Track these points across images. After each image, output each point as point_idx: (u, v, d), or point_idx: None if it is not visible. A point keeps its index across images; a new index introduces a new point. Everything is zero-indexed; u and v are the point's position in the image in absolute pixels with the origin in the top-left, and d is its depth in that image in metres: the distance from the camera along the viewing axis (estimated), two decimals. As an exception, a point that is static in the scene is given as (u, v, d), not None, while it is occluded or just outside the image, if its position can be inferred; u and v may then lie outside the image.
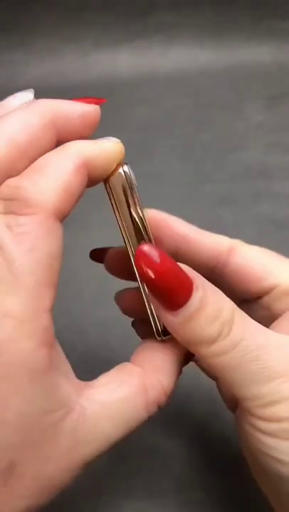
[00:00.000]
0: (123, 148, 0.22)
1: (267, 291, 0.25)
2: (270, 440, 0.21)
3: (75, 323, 0.36)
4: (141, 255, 0.21)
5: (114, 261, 0.27)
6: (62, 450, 0.20)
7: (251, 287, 0.25)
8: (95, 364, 0.37)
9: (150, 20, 0.65)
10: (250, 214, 0.49)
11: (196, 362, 0.27)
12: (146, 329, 0.25)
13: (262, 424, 0.21)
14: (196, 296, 0.21)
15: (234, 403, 0.25)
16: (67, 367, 0.21)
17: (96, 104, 0.22)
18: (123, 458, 0.34)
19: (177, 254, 0.26)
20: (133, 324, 0.28)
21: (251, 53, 0.64)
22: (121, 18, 0.64)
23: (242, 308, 0.22)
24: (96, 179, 0.22)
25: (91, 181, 0.22)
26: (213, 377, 0.27)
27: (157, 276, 0.20)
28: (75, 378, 0.21)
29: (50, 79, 0.63)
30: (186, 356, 0.24)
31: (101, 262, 0.28)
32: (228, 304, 0.21)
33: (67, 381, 0.20)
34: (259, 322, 0.22)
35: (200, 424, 0.27)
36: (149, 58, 0.65)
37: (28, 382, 0.19)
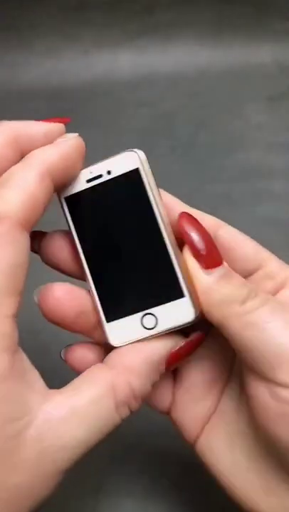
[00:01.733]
0: (82, 142, 0.23)
1: (250, 273, 0.25)
2: None
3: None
4: (185, 218, 0.23)
5: (53, 249, 0.25)
6: (29, 459, 0.19)
7: (234, 266, 0.25)
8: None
9: (150, 20, 0.64)
10: (250, 214, 0.49)
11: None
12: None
13: (282, 392, 0.21)
14: (226, 264, 0.23)
15: (194, 435, 0.25)
16: (32, 375, 0.21)
17: (60, 123, 0.24)
18: (123, 458, 0.34)
19: None
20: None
21: (251, 53, 0.64)
22: (121, 17, 0.64)
23: None
24: (62, 182, 0.23)
25: (57, 185, 0.23)
26: (165, 412, 0.26)
27: (200, 234, 0.23)
28: (44, 387, 0.21)
29: (50, 79, 0.63)
30: (167, 361, 0.23)
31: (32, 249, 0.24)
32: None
33: (31, 389, 0.20)
34: None
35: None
36: (149, 58, 0.65)
37: None
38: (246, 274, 0.25)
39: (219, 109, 0.59)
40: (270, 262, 0.25)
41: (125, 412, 0.22)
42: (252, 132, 0.57)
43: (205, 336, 0.25)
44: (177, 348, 0.23)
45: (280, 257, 0.26)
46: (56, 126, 0.23)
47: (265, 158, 0.54)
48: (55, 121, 0.24)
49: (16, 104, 0.59)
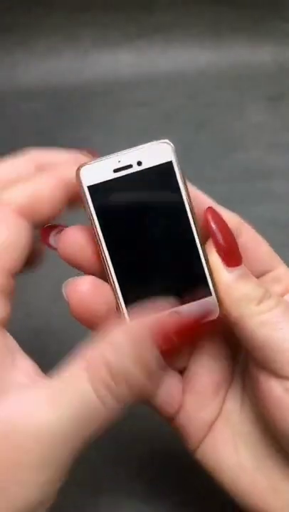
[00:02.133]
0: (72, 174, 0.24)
1: (262, 274, 0.26)
2: None
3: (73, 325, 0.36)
4: (212, 214, 0.23)
5: (75, 246, 0.23)
6: None
7: (249, 266, 0.25)
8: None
9: (150, 20, 0.64)
10: (250, 214, 0.49)
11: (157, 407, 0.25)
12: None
13: None
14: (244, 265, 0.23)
15: (198, 440, 0.25)
16: (18, 356, 0.21)
17: (87, 155, 0.25)
18: (123, 459, 0.34)
19: None
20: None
21: (251, 53, 0.64)
22: (121, 18, 0.64)
23: None
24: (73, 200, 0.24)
25: (73, 198, 0.23)
26: (169, 418, 0.26)
27: (225, 233, 0.23)
28: (33, 370, 0.21)
29: (50, 79, 0.63)
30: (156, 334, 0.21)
31: (48, 245, 0.24)
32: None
33: (12, 367, 0.20)
34: None
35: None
36: (149, 58, 0.65)
37: None
38: (257, 275, 0.25)
39: (219, 109, 0.59)
40: (279, 266, 0.26)
41: (107, 398, 0.20)
42: (252, 132, 0.57)
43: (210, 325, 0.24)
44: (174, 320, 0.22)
45: (280, 256, 0.26)
46: (80, 158, 0.24)
47: (265, 158, 0.54)
48: (82, 153, 0.24)
49: (16, 104, 0.59)
